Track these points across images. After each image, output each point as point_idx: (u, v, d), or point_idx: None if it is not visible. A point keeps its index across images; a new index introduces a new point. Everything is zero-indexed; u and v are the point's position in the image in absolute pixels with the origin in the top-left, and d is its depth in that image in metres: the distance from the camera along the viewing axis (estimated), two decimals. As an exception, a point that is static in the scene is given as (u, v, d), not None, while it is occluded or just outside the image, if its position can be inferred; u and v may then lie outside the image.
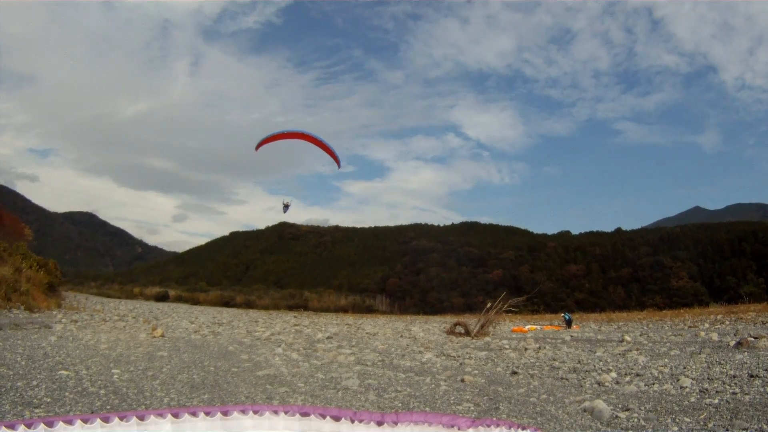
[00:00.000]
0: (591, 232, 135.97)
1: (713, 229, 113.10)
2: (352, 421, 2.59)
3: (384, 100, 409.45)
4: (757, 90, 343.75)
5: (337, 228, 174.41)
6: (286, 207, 15.21)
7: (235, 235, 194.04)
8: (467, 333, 21.71)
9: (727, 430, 5.59)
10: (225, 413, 2.47)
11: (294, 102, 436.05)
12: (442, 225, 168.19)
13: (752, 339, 13.28)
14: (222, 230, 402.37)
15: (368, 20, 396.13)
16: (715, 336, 17.00)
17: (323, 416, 2.57)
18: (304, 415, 2.56)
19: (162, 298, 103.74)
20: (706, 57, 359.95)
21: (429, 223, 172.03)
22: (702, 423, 5.93)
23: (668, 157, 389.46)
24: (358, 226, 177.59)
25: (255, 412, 2.52)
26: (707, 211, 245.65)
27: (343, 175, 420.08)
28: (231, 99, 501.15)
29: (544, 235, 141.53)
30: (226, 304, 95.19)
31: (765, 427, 5.59)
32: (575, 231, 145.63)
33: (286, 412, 2.55)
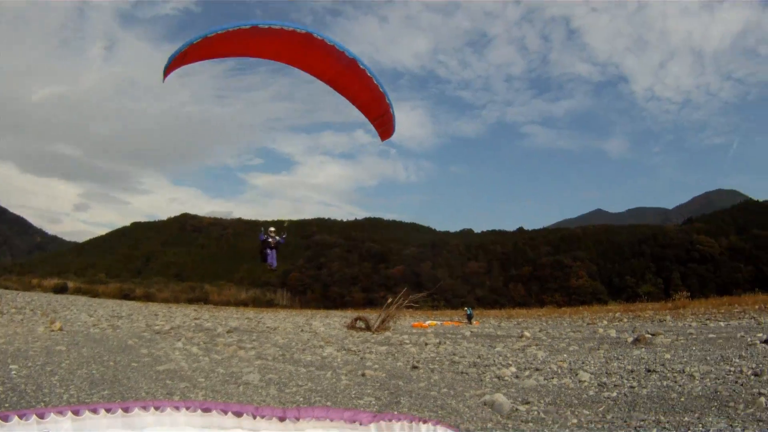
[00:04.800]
0: (493, 231, 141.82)
1: (614, 231, 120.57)
2: (254, 417, 2.67)
3: (297, 94, 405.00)
4: (666, 101, 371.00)
5: (240, 220, 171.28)
6: (271, 241, 10.27)
7: (136, 226, 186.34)
8: (368, 328, 22.13)
9: (625, 421, 6.01)
10: (126, 410, 2.48)
11: (205, 92, 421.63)
12: (346, 220, 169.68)
13: (649, 336, 14.46)
14: (125, 220, 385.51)
15: (287, 13, 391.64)
16: (613, 332, 18.21)
17: (225, 412, 2.63)
18: (206, 410, 2.60)
19: (61, 290, 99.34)
20: (619, 67, 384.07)
21: (333, 218, 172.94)
22: (601, 415, 6.37)
23: (574, 161, 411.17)
24: (261, 219, 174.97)
25: (156, 408, 2.54)
26: (609, 213, 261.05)
27: (248, 168, 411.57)
28: (143, 86, 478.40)
29: (447, 233, 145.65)
30: (126, 296, 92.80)
31: (662, 418, 6.03)
32: (478, 229, 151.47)
33: (187, 408, 2.59)
